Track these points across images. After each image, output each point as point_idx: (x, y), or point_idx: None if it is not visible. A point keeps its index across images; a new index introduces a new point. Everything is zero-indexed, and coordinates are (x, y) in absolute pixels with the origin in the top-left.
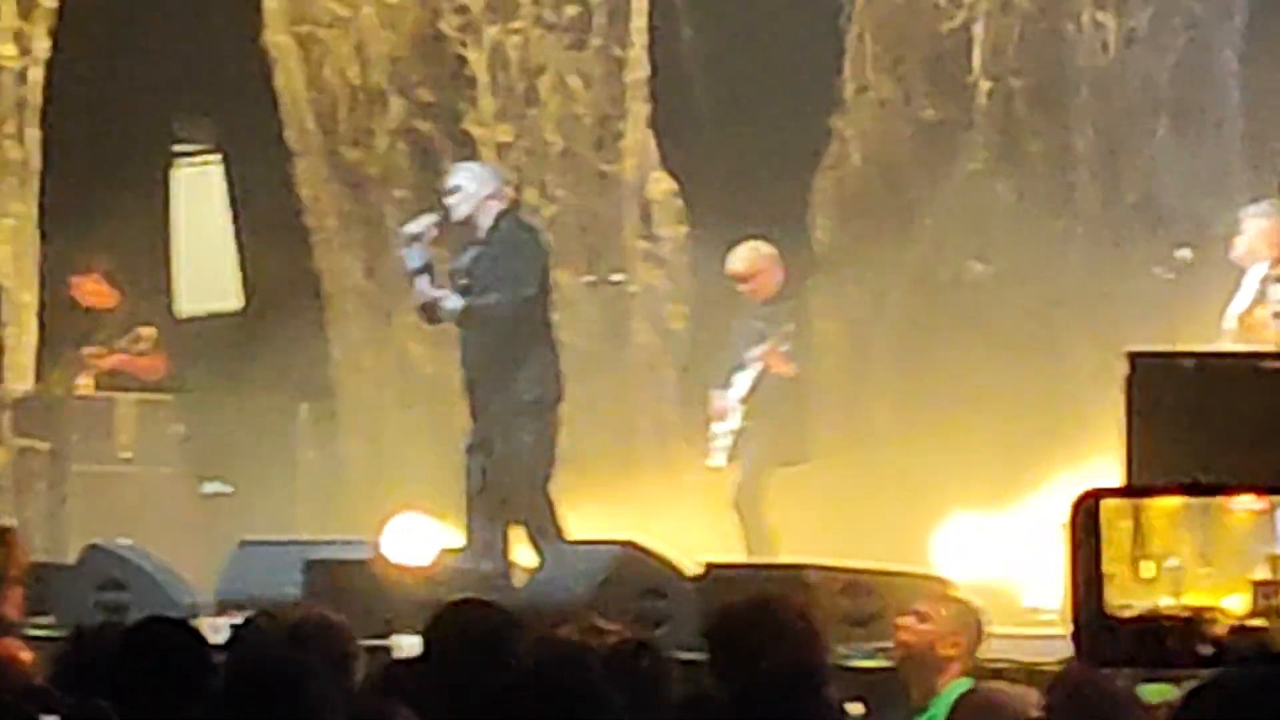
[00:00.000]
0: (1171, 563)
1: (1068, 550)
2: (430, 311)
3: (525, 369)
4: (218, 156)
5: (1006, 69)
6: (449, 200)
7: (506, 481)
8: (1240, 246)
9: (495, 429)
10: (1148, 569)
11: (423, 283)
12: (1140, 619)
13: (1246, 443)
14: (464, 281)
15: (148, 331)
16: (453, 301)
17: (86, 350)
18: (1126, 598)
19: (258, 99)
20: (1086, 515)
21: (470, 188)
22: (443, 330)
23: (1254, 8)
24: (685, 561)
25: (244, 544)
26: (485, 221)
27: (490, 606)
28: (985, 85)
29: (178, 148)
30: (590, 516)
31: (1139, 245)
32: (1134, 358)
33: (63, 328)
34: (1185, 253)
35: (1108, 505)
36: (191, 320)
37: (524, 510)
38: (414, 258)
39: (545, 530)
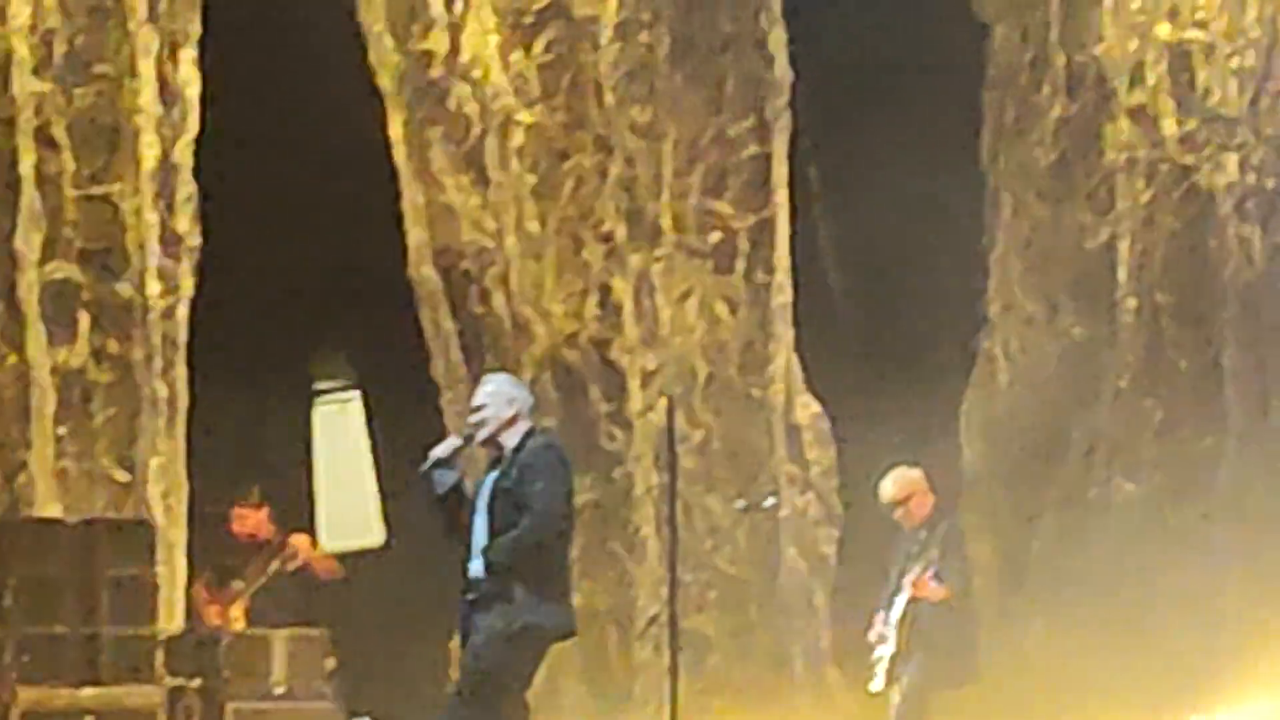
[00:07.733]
0: None
1: None
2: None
3: (531, 594)
4: (357, 393)
5: (1152, 285)
6: (472, 418)
7: None
8: None
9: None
10: None
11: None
12: None
13: None
14: (489, 513)
15: (299, 539)
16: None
17: (236, 584)
18: None
19: (402, 333)
20: None
21: (492, 410)
22: None
23: None
24: None
25: None
26: (510, 442)
27: None
28: (1131, 302)
29: (318, 385)
30: None
31: None
32: None
33: (213, 563)
34: None
35: None
36: (340, 556)
37: None
38: (444, 480)
39: None
